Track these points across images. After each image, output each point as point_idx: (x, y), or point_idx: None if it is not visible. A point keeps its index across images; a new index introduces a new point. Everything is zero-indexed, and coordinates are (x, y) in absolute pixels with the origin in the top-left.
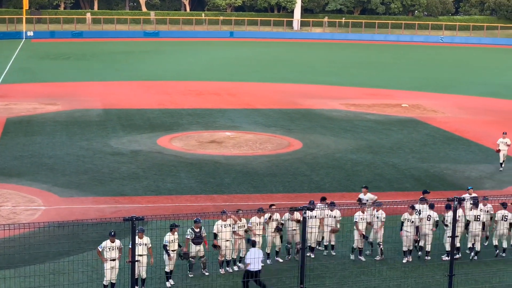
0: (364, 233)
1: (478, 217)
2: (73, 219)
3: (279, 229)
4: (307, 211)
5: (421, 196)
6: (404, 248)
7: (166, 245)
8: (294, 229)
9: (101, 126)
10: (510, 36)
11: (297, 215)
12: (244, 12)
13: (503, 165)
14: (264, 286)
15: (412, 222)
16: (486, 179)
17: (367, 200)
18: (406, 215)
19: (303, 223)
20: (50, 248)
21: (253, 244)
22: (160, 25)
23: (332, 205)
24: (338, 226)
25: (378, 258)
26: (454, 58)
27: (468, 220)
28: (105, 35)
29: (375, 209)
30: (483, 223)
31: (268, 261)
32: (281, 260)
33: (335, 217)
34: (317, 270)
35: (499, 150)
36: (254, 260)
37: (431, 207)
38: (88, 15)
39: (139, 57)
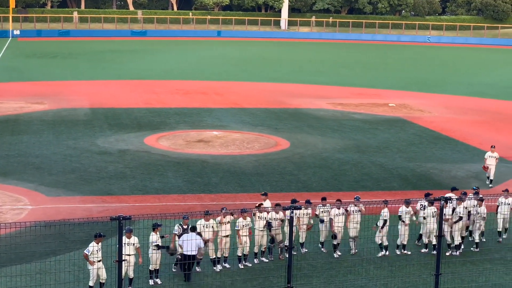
0: (336, 230)
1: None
2: (60, 219)
3: (270, 226)
4: (295, 210)
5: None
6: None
7: (155, 244)
8: (277, 228)
9: (88, 125)
10: (496, 36)
11: (281, 215)
12: (232, 12)
13: (492, 181)
14: (189, 271)
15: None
16: (472, 178)
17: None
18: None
19: (290, 223)
20: (37, 247)
21: (192, 229)
22: (147, 24)
23: (308, 203)
24: (312, 222)
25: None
26: (441, 58)
27: (460, 216)
28: (92, 34)
29: (355, 205)
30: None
31: (256, 261)
32: (266, 260)
33: (308, 214)
34: (304, 269)
35: (486, 168)
36: (188, 243)
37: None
38: (75, 14)
39: (127, 56)
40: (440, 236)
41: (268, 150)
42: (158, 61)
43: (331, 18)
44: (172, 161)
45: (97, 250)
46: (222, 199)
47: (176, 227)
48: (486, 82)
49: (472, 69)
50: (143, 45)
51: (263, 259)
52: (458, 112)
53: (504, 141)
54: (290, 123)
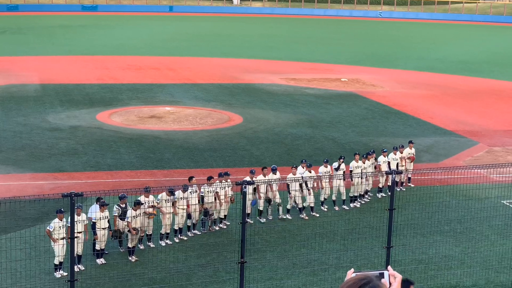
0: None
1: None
2: (10, 196)
3: (202, 199)
4: (247, 185)
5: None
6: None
7: (95, 222)
8: (212, 202)
9: (39, 102)
10: (446, 11)
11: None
12: None
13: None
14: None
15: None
16: (423, 152)
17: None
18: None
19: (243, 197)
20: None
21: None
22: None
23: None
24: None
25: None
26: (392, 33)
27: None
28: (41, 9)
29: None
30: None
31: (189, 233)
32: (199, 233)
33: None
34: (258, 244)
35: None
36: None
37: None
38: None
39: (77, 31)
40: (391, 209)
41: (221, 125)
42: (110, 36)
43: None
44: (124, 137)
45: (60, 227)
46: (175, 175)
47: (114, 208)
48: (437, 57)
49: (423, 44)
50: (94, 20)
51: (196, 231)
52: (409, 86)
53: (454, 115)
54: (243, 99)
